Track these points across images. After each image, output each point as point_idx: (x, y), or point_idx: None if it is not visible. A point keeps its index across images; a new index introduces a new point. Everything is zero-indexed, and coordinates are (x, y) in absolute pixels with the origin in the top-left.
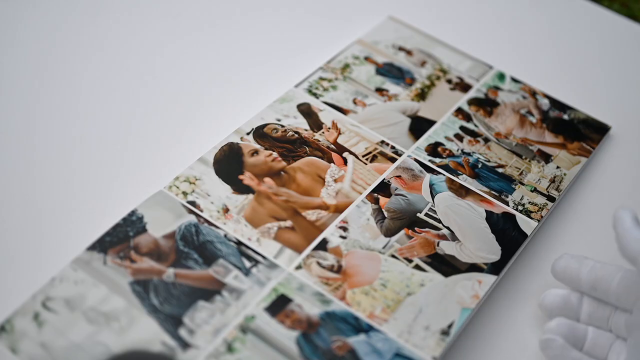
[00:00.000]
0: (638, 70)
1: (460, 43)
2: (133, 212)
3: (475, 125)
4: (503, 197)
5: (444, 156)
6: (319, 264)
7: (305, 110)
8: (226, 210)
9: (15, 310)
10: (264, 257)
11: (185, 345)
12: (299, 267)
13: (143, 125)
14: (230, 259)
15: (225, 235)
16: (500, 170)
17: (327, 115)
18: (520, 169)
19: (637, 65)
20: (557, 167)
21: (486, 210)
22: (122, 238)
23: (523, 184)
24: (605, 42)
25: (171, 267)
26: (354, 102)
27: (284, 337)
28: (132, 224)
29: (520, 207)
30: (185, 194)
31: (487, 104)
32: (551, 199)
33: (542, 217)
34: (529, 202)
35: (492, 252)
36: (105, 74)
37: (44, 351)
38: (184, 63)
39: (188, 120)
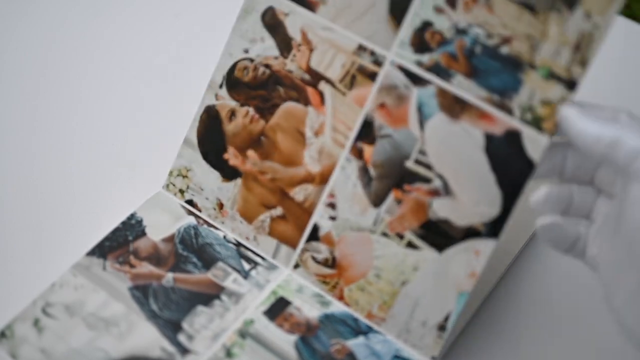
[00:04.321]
0: (638, 70)
1: None
2: (132, 216)
3: None
4: (506, 102)
5: (433, 46)
6: (314, 258)
7: (271, 22)
8: (221, 205)
9: (15, 316)
10: (262, 257)
11: (184, 351)
12: (297, 266)
13: (141, 125)
14: (229, 261)
15: (225, 237)
16: (504, 50)
17: (294, 21)
18: (532, 37)
19: (638, 65)
20: (587, 16)
21: (485, 134)
22: (121, 242)
23: (535, 67)
24: (605, 42)
25: (170, 272)
26: None
27: (283, 341)
28: (131, 228)
29: (528, 115)
30: (182, 192)
31: None
32: (571, 84)
33: (555, 125)
34: (541, 102)
35: (491, 202)
36: (102, 76)
37: (44, 357)
38: (183, 63)
39: (188, 119)
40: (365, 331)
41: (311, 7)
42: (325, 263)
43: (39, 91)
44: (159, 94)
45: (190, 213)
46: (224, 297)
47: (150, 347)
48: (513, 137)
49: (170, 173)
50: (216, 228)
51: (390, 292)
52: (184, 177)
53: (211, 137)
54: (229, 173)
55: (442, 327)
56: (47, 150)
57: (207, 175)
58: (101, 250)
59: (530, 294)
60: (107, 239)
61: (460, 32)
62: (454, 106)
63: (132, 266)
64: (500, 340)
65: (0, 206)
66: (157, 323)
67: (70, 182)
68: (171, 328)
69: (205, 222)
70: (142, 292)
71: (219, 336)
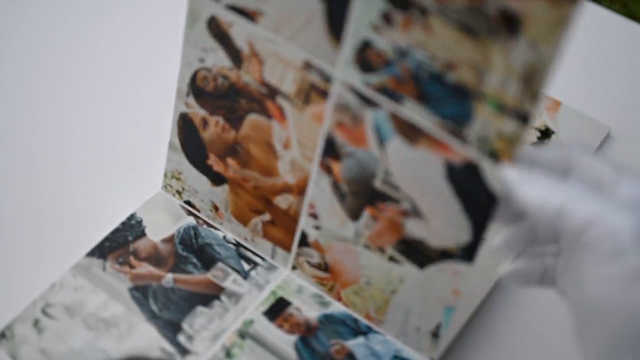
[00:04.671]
0: (638, 70)
1: None
2: (132, 216)
3: None
4: (461, 131)
5: (378, 66)
6: (308, 262)
7: (217, 32)
8: (216, 208)
9: (15, 316)
10: (262, 258)
11: (184, 351)
12: (294, 268)
13: (140, 126)
14: (229, 261)
15: (224, 237)
16: (450, 77)
17: (239, 32)
18: (476, 64)
19: (637, 65)
20: (532, 45)
21: (445, 162)
22: (121, 243)
23: (484, 98)
24: (605, 42)
25: (170, 272)
26: None
27: (283, 341)
28: (131, 228)
29: (485, 146)
30: (179, 193)
31: None
32: (523, 117)
33: (512, 158)
34: (497, 134)
35: (460, 228)
36: (102, 76)
37: (44, 357)
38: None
39: None
40: (365, 331)
41: (252, 18)
42: (319, 267)
43: (39, 91)
44: (159, 94)
45: (190, 213)
46: (223, 297)
47: (150, 347)
48: (472, 169)
49: (165, 175)
50: (215, 228)
51: (382, 299)
52: (177, 179)
53: (191, 143)
54: (215, 178)
55: (435, 334)
56: (47, 150)
57: (197, 179)
58: (101, 251)
59: (528, 297)
60: (107, 239)
61: (402, 54)
62: (409, 131)
63: (132, 267)
64: (500, 342)
65: (1, 208)
66: (157, 324)
67: (70, 182)
68: (171, 329)
69: (205, 222)
70: (142, 293)
71: (219, 337)
